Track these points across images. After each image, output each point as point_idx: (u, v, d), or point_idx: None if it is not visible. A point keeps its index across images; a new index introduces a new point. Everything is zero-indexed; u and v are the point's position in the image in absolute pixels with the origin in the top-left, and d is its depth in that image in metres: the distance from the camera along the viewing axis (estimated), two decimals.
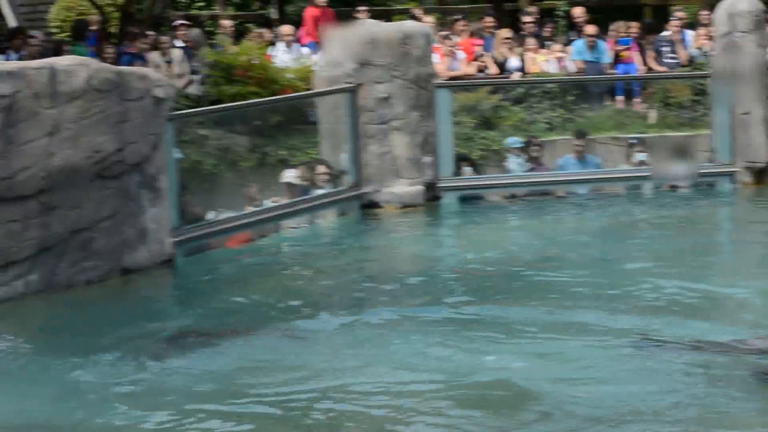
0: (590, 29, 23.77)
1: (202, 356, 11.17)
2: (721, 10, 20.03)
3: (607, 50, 23.61)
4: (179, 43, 22.11)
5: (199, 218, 16.56)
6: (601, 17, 25.59)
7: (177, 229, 15.18)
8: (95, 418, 9.46)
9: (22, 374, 10.77)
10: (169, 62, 20.75)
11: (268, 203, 17.58)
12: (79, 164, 13.27)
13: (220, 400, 9.75)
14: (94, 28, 23.19)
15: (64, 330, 12.19)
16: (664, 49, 23.99)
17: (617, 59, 23.73)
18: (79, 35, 22.30)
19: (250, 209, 17.40)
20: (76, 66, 13.43)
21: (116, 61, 18.76)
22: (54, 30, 25.52)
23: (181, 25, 23.19)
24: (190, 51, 21.74)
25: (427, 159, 18.50)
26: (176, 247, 15.00)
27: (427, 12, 25.64)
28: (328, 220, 18.62)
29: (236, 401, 9.72)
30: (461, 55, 23.12)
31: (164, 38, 21.57)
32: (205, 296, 13.92)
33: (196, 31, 23.75)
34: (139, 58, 20.56)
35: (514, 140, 20.64)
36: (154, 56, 20.93)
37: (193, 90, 20.46)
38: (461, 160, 20.02)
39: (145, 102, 14.21)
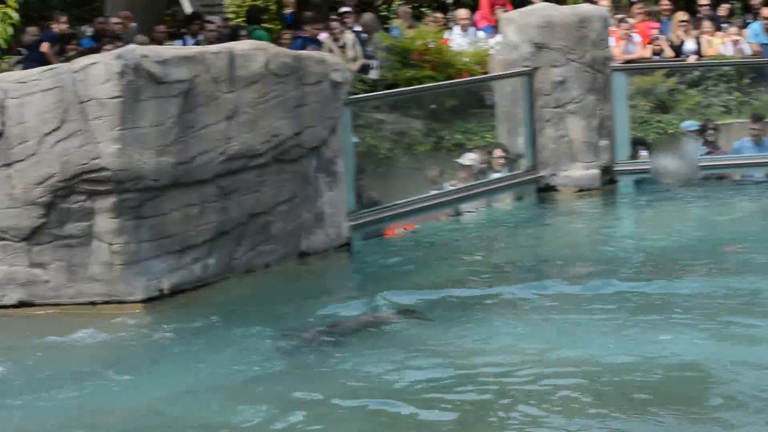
0: (767, 11, 22.85)
1: (382, 342, 11.00)
2: None
3: None
4: (355, 28, 21.88)
5: (375, 202, 16.32)
6: None
7: (353, 213, 15.02)
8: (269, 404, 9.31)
9: (190, 358, 10.77)
10: (342, 47, 20.54)
11: (447, 186, 17.26)
12: (257, 148, 13.14)
13: (411, 391, 9.57)
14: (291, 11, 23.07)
15: (242, 314, 12.12)
16: None
17: None
18: (254, 19, 22.25)
19: (432, 192, 17.05)
20: (255, 50, 13.31)
21: (290, 46, 18.61)
22: (230, 15, 25.55)
23: (354, 9, 22.97)
24: (363, 35, 21.49)
25: (604, 142, 18.01)
26: (353, 230, 14.80)
27: None
28: (504, 203, 18.27)
29: (433, 387, 9.57)
30: (637, 38, 22.53)
31: (336, 23, 21.35)
32: (383, 281, 13.64)
33: (369, 16, 23.50)
34: (312, 43, 20.40)
35: (690, 123, 19.95)
36: (327, 41, 20.74)
37: (369, 74, 20.21)
38: (637, 143, 19.44)
39: (323, 86, 14.05)
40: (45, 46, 16.33)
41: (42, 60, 15.22)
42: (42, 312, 12.00)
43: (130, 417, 9.26)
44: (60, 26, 16.06)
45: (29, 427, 9.16)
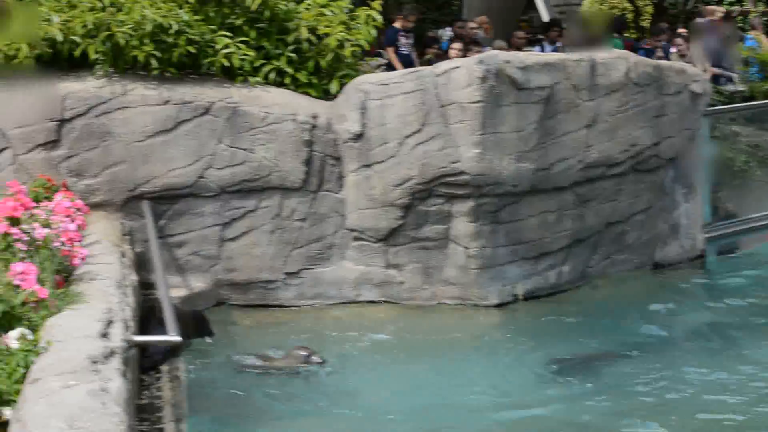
0: None
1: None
2: None
3: None
4: (709, 40, 20.72)
5: (730, 215, 15.34)
6: None
7: (709, 225, 14.22)
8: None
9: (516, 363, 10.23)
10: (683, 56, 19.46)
11: None
12: (615, 157, 12.54)
13: None
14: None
15: (599, 322, 11.52)
16: None
17: None
18: (615, 29, 21.45)
19: None
20: (616, 59, 12.73)
21: None
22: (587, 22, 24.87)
23: (714, 21, 21.80)
24: (720, 47, 20.30)
25: None
26: (707, 243, 13.99)
27: None
28: None
29: None
30: None
31: (681, 37, 20.27)
32: (733, 296, 12.74)
33: (726, 26, 22.29)
34: (652, 53, 19.42)
35: None
36: (674, 54, 19.70)
37: (727, 86, 19.10)
38: None
39: (682, 97, 13.35)
40: (389, 50, 16.08)
41: (406, 62, 15.00)
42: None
43: None
44: (406, 23, 15.74)
45: None
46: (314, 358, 9.94)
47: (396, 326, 11.18)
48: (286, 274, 11.51)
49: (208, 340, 10.37)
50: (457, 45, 15.09)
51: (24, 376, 5.74)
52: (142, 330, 8.16)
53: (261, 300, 11.51)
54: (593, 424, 8.72)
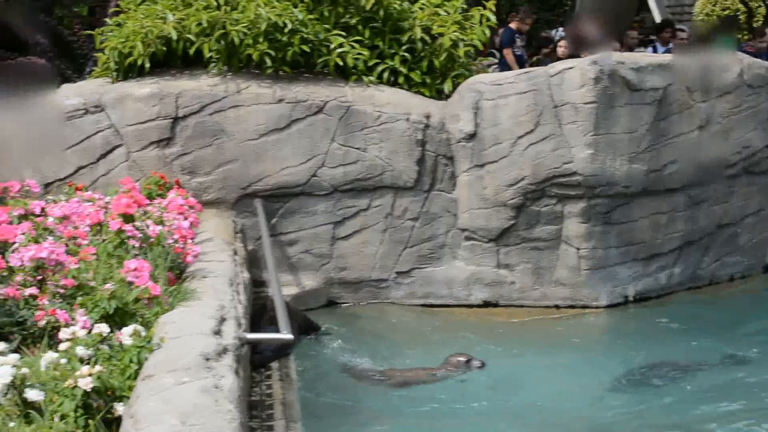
0: None
1: None
2: None
3: None
4: None
5: None
6: None
7: None
8: None
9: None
10: None
11: None
12: (728, 159, 12.18)
13: None
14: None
15: (707, 325, 11.10)
16: None
17: None
18: (724, 29, 20.93)
19: None
20: (729, 61, 12.28)
21: None
22: (699, 23, 24.35)
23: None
24: None
25: None
26: None
27: None
28: None
29: None
30: None
31: None
32: None
33: None
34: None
35: None
36: None
37: None
38: None
39: None
40: (506, 51, 15.84)
41: (519, 62, 14.79)
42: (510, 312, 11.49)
43: None
44: (522, 26, 15.50)
45: None
46: (474, 363, 9.54)
47: (507, 327, 10.92)
48: (397, 273, 11.36)
49: (311, 337, 10.22)
50: (563, 43, 14.84)
51: (137, 372, 5.69)
52: (253, 327, 8.03)
53: (371, 299, 11.39)
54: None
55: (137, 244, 7.78)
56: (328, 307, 11.24)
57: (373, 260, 11.28)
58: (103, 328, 6.09)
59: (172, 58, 11.24)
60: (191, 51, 11.02)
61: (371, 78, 11.29)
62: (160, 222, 8.30)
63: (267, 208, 10.79)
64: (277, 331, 7.42)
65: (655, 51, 16.27)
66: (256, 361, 8.50)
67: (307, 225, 11.08)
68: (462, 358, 9.60)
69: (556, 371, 9.68)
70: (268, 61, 10.89)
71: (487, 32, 12.15)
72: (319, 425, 8.08)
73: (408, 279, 11.42)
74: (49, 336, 6.23)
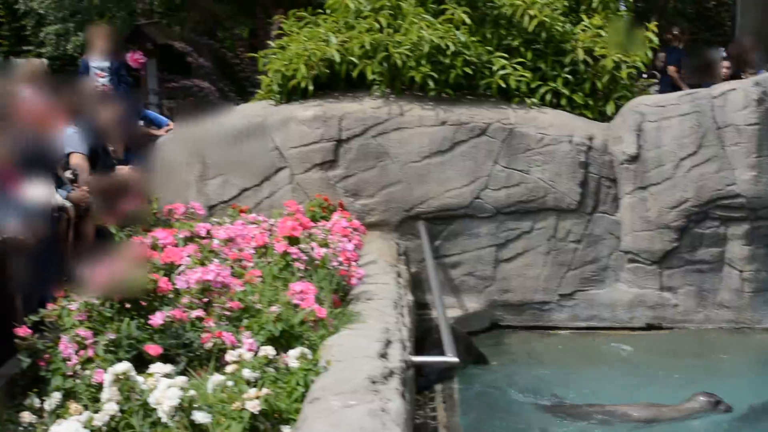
0: None
1: None
2: None
3: None
4: None
5: None
6: None
7: None
8: None
9: None
10: None
11: None
12: None
13: None
14: None
15: None
16: None
17: None
18: None
19: None
20: None
21: None
22: None
23: None
24: None
25: None
26: None
27: None
28: None
29: None
30: None
31: None
32: None
33: None
34: None
35: None
36: None
37: None
38: None
39: None
40: (672, 70, 15.45)
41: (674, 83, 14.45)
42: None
43: None
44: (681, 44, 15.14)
45: None
46: (721, 406, 8.67)
47: (675, 352, 10.48)
48: (560, 295, 11.06)
49: (473, 360, 9.93)
50: (725, 64, 14.39)
51: (303, 395, 5.59)
52: (417, 350, 7.84)
53: (534, 321, 11.10)
54: None
55: (302, 267, 7.67)
56: (491, 329, 10.97)
57: (537, 282, 11.00)
58: (269, 350, 6.01)
59: (334, 81, 11.16)
60: (354, 73, 10.90)
61: (534, 100, 11.04)
62: (324, 244, 8.18)
63: (430, 231, 10.60)
64: (442, 353, 7.25)
65: None
66: (420, 383, 8.32)
67: (471, 247, 10.84)
68: (709, 398, 8.71)
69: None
70: (431, 84, 10.71)
71: (650, 54, 11.79)
72: None
73: (571, 301, 11.10)
74: (216, 358, 6.15)
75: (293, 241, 7.90)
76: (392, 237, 10.57)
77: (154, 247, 7.92)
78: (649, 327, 11.15)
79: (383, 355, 6.20)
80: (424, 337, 9.10)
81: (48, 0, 26.65)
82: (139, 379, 5.65)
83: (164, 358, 6.12)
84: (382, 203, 10.70)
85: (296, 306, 6.74)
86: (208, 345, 6.28)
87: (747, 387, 9.36)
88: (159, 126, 12.76)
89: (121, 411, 5.50)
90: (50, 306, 6.97)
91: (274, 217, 9.73)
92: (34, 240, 8.21)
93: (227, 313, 6.64)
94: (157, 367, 5.79)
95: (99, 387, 5.88)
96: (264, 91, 11.88)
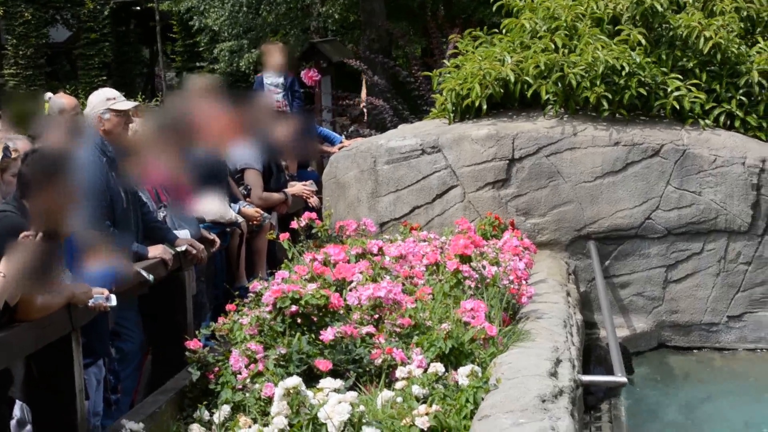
0: None
1: None
2: None
3: None
4: None
5: None
6: None
7: None
8: None
9: None
10: None
11: None
12: None
13: None
14: None
15: None
16: None
17: None
18: None
19: None
20: None
21: None
22: None
23: None
24: None
25: None
26: None
27: None
28: None
29: None
30: None
31: None
32: None
33: None
34: None
35: None
36: None
37: None
38: None
39: None
40: None
41: None
42: None
43: None
44: None
45: None
46: None
47: None
48: (729, 317, 10.69)
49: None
50: None
51: (472, 412, 5.55)
52: (584, 369, 7.71)
53: (701, 342, 10.76)
54: None
55: (473, 285, 7.60)
56: (658, 349, 10.71)
57: (705, 304, 10.66)
58: (439, 367, 5.98)
59: (508, 100, 11.07)
60: (528, 93, 10.79)
61: (707, 122, 10.73)
62: (495, 263, 8.11)
63: (600, 251, 10.42)
64: (608, 372, 7.13)
65: None
66: (589, 402, 8.18)
67: (640, 268, 10.58)
68: None
69: None
70: (605, 104, 10.52)
71: None
72: None
73: (739, 323, 10.72)
74: (385, 374, 6.14)
75: (465, 259, 7.84)
76: (562, 256, 10.42)
77: (326, 263, 7.96)
78: None
79: (553, 374, 6.11)
80: (589, 356, 8.96)
81: (223, 17, 27.11)
82: (309, 393, 5.67)
83: (333, 374, 6.14)
84: (552, 222, 10.55)
85: (466, 324, 6.69)
86: (378, 361, 6.27)
87: None
88: (332, 143, 12.88)
89: (290, 425, 5.53)
90: (221, 320, 7.07)
91: (445, 234, 9.70)
92: (207, 254, 8.38)
93: (398, 329, 6.63)
94: (326, 382, 5.81)
95: (268, 401, 5.94)
96: (438, 110, 11.87)
